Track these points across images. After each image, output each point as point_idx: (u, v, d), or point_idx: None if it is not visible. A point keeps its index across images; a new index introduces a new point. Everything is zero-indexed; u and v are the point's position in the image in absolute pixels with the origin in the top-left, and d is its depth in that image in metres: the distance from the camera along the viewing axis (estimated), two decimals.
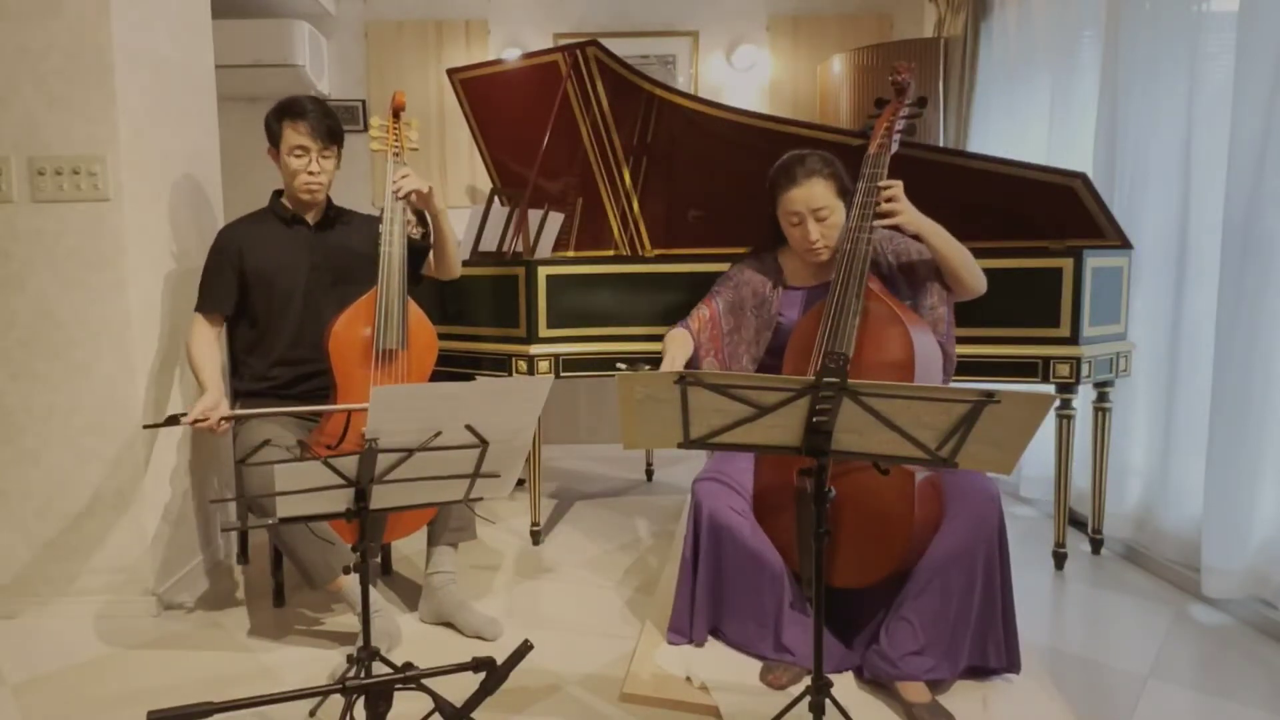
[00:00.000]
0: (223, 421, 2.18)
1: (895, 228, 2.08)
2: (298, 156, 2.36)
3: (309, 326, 2.41)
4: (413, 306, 2.37)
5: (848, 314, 1.98)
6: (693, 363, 2.24)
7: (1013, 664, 1.97)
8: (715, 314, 2.29)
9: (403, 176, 2.31)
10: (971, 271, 2.12)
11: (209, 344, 2.38)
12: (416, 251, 2.47)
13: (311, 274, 2.44)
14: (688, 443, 1.54)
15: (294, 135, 2.35)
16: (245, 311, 2.44)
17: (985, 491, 1.95)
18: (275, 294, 2.41)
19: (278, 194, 2.49)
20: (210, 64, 2.93)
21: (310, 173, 2.37)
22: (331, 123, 2.38)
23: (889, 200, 2.05)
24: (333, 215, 2.51)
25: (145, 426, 2.33)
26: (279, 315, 2.42)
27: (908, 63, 2.21)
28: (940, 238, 2.08)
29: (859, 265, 2.01)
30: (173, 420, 2.13)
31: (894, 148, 2.14)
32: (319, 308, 2.40)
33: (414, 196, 2.32)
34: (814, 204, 2.10)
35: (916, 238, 2.11)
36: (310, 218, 2.47)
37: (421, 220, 2.48)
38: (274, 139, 2.39)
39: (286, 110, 2.35)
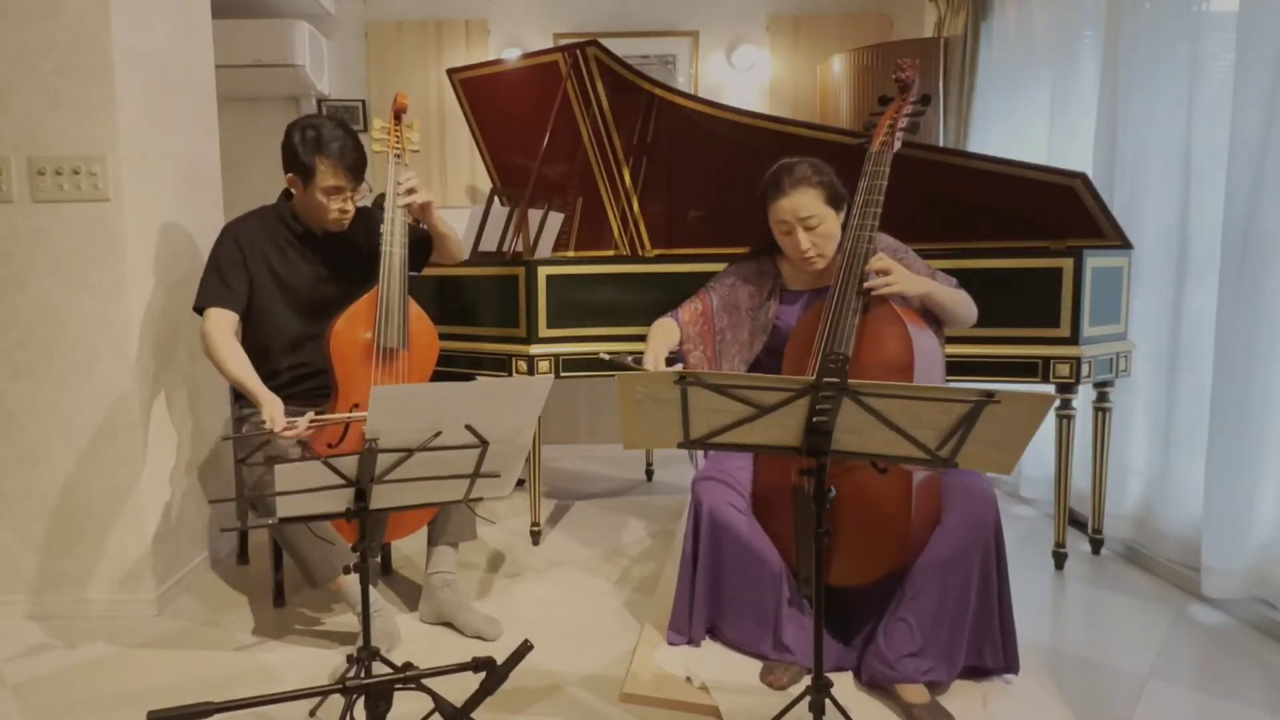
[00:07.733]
0: (303, 426, 2.10)
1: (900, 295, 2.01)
2: (331, 196, 2.29)
3: (313, 332, 2.39)
4: (413, 306, 2.37)
5: (847, 313, 1.97)
6: (677, 353, 2.22)
7: (1010, 665, 1.96)
8: (709, 309, 2.26)
9: (408, 183, 2.29)
10: (968, 310, 2.11)
11: (237, 348, 2.27)
12: (422, 242, 2.47)
13: (317, 283, 2.42)
14: (688, 443, 1.54)
15: (329, 176, 2.25)
16: (249, 315, 2.39)
17: (982, 492, 1.94)
18: (280, 302, 2.39)
19: (287, 195, 2.41)
20: (210, 64, 2.92)
21: (343, 210, 2.32)
22: (360, 155, 2.30)
23: (881, 273, 1.97)
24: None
25: (223, 438, 2.30)
26: (283, 322, 2.39)
27: (911, 60, 2.20)
28: (940, 293, 2.04)
29: (859, 264, 2.00)
30: (251, 431, 2.11)
31: (897, 145, 2.13)
32: (323, 314, 2.36)
33: (414, 206, 2.30)
34: (801, 213, 2.05)
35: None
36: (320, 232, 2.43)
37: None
38: (303, 173, 2.27)
39: (318, 146, 2.24)
